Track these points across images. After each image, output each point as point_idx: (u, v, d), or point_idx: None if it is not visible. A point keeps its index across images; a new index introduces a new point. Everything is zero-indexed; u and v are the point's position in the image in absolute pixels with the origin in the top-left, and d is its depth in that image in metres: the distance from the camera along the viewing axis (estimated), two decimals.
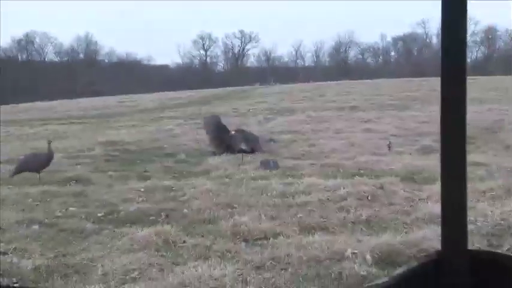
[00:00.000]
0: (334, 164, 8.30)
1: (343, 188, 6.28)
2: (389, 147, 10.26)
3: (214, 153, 9.80)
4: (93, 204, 6.15)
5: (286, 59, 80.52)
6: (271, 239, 4.60)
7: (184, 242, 4.58)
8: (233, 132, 9.83)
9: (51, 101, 47.22)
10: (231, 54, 78.72)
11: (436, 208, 5.01)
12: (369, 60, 79.59)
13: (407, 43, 75.57)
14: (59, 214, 5.66)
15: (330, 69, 74.80)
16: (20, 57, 72.66)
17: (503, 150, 9.85)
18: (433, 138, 11.11)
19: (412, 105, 21.82)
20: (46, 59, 73.57)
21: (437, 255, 0.85)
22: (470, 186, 5.82)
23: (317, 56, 78.12)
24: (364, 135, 12.76)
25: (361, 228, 4.94)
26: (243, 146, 9.10)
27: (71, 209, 5.89)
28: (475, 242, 4.31)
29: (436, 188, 5.93)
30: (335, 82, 48.17)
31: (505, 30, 68.00)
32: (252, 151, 9.20)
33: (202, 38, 76.74)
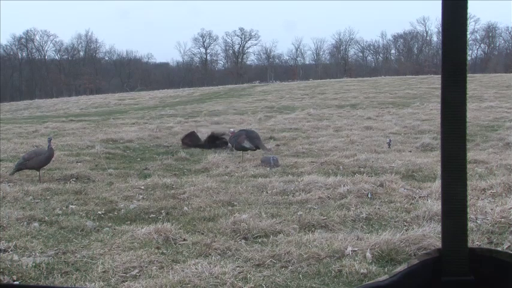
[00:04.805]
0: (334, 162, 8.31)
1: (343, 186, 6.29)
2: (389, 144, 10.26)
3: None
4: (93, 201, 6.15)
5: (286, 57, 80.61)
6: (271, 236, 4.61)
7: (184, 239, 4.58)
8: (232, 130, 9.83)
9: (51, 98, 47.31)
10: (231, 52, 78.74)
11: (436, 206, 5.02)
12: (369, 58, 79.65)
13: (408, 41, 75.57)
14: (59, 212, 5.67)
15: (330, 67, 74.82)
16: (20, 54, 72.74)
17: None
18: (433, 135, 11.12)
19: (412, 103, 21.82)
20: (46, 57, 73.64)
21: (437, 253, 0.85)
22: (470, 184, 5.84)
23: (317, 54, 78.19)
24: (364, 133, 12.78)
25: (361, 226, 4.94)
26: (247, 145, 9.07)
27: (71, 206, 5.90)
28: (475, 240, 4.32)
29: (436, 185, 5.94)
30: (335, 80, 48.20)
31: (506, 28, 68.07)
32: (254, 148, 9.19)
33: (202, 36, 76.89)
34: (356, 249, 4.13)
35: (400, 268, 0.85)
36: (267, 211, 5.36)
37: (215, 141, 10.93)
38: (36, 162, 7.44)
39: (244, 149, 9.14)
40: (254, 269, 3.86)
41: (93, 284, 3.65)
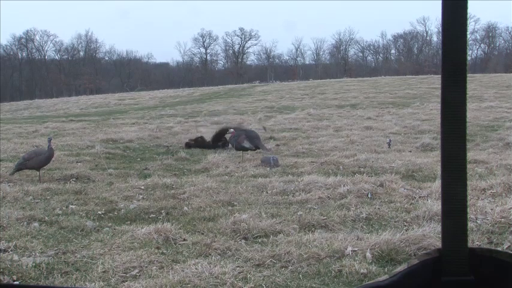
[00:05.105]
0: (334, 162, 8.30)
1: (343, 186, 6.29)
2: (389, 144, 10.26)
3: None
4: (93, 201, 6.15)
5: (286, 57, 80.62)
6: (271, 236, 4.61)
7: (184, 239, 4.58)
8: (232, 130, 9.81)
9: (51, 98, 47.33)
10: (231, 52, 78.76)
11: (436, 206, 5.02)
12: (369, 58, 79.68)
13: (408, 41, 75.60)
14: (59, 212, 5.67)
15: (330, 67, 74.84)
16: (20, 54, 72.73)
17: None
18: (433, 135, 11.12)
19: (412, 103, 21.82)
20: (46, 57, 73.65)
21: (437, 253, 0.85)
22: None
23: (317, 54, 78.21)
24: (364, 133, 12.77)
25: (361, 226, 4.94)
26: (246, 145, 9.07)
27: (71, 206, 5.90)
28: (475, 240, 4.32)
29: (436, 185, 5.94)
30: (335, 80, 48.21)
31: (506, 28, 68.10)
32: (254, 148, 9.20)
33: (202, 36, 76.93)
34: (356, 249, 4.12)
35: (400, 268, 0.85)
36: (267, 211, 5.36)
37: (220, 139, 10.92)
38: (36, 162, 7.44)
39: (244, 149, 9.14)
40: (254, 269, 3.86)
41: (93, 284, 3.65)
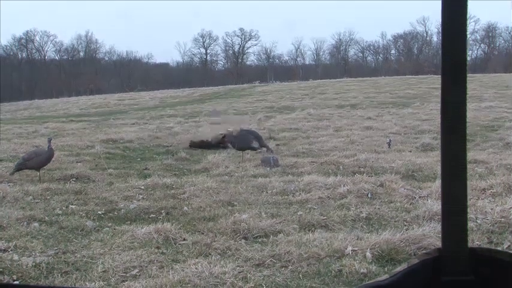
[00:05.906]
0: (334, 162, 8.30)
1: (343, 186, 6.29)
2: (389, 144, 10.26)
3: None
4: (93, 201, 6.15)
5: (286, 57, 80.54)
6: (271, 236, 4.61)
7: (184, 239, 4.59)
8: (230, 130, 9.80)
9: (51, 98, 47.31)
10: (231, 52, 78.73)
11: (436, 206, 5.02)
12: (369, 58, 79.63)
13: (408, 41, 75.57)
14: (59, 212, 5.67)
15: (330, 67, 74.79)
16: (20, 55, 72.70)
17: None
18: (433, 135, 11.12)
19: (412, 103, 21.81)
20: (46, 58, 73.59)
21: (437, 253, 0.86)
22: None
23: (317, 54, 78.14)
24: (364, 133, 12.77)
25: (361, 226, 4.94)
26: (255, 145, 9.09)
27: (71, 206, 5.90)
28: (475, 240, 4.32)
29: (436, 185, 5.94)
30: (335, 80, 48.21)
31: (506, 28, 68.07)
32: (260, 148, 9.22)
33: (202, 36, 76.85)
34: (356, 248, 4.13)
35: (400, 268, 0.85)
36: (267, 211, 5.36)
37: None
38: (36, 162, 7.44)
39: (251, 149, 9.17)
40: (254, 268, 3.86)
41: (93, 283, 3.65)
